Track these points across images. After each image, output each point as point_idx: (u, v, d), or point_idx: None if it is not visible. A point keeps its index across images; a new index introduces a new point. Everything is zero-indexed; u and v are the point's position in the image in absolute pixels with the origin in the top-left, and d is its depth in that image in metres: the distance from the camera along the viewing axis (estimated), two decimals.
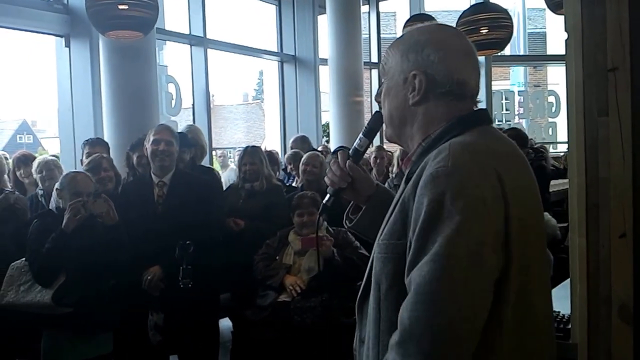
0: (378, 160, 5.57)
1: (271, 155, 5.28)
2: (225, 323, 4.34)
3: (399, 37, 1.41)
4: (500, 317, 1.17)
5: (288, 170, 5.59)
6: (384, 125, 1.45)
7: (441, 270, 1.11)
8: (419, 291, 1.13)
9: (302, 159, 4.69)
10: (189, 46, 7.23)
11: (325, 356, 3.49)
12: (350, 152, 1.56)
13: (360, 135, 1.56)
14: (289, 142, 6.54)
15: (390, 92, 1.38)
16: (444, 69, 1.30)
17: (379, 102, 1.45)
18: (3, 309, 3.07)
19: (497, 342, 1.18)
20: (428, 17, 7.61)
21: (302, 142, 6.08)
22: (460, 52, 1.33)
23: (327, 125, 9.57)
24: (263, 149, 6.15)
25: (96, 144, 4.51)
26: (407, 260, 1.19)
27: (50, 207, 3.34)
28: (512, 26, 6.22)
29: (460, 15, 6.27)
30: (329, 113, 8.53)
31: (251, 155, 4.20)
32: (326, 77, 8.58)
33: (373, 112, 1.61)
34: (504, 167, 1.21)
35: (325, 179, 1.59)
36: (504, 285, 1.17)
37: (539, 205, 1.32)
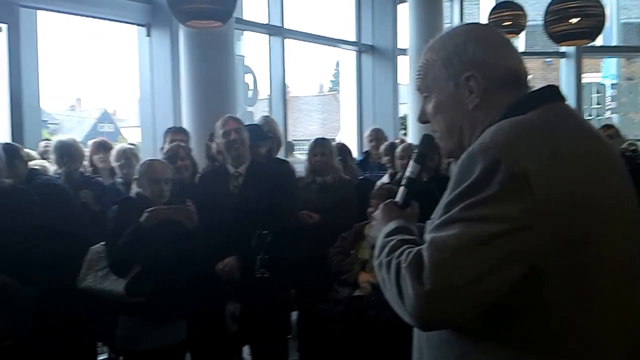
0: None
1: (343, 147, 5.16)
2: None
3: (430, 49, 1.34)
4: (541, 297, 1.10)
5: (383, 161, 5.39)
6: (440, 141, 1.37)
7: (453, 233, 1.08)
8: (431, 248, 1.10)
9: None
10: (266, 36, 7.20)
11: (397, 354, 3.39)
12: (404, 182, 1.42)
13: (412, 162, 1.43)
14: (365, 135, 6.37)
15: (442, 105, 1.32)
16: (494, 62, 1.26)
17: (425, 122, 1.38)
18: (83, 293, 3.15)
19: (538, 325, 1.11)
20: (515, 6, 7.26)
21: (378, 134, 5.89)
22: (500, 42, 1.30)
23: (405, 117, 9.36)
24: (337, 141, 6.02)
25: (178, 132, 4.57)
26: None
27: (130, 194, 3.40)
28: (604, 15, 5.81)
29: (549, 4, 5.94)
30: (407, 105, 8.30)
31: (322, 146, 4.15)
32: (405, 68, 8.36)
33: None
34: (562, 142, 1.15)
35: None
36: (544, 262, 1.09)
37: (615, 184, 1.21)
